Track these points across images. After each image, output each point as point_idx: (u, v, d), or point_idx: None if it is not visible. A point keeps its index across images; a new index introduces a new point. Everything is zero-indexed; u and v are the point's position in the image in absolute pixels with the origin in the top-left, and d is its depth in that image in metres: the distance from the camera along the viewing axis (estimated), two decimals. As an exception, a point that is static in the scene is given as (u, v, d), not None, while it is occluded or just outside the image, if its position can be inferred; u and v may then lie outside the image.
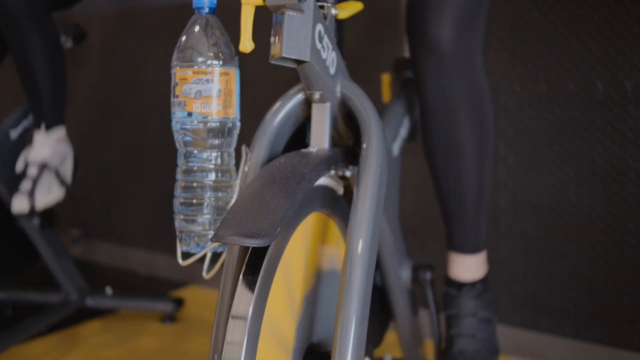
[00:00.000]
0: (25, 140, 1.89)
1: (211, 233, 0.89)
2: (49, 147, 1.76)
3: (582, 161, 1.62)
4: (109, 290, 2.00)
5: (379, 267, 1.22)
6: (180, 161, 0.91)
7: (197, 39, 0.89)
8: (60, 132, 1.80)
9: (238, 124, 0.92)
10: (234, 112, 0.90)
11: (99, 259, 2.76)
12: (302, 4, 0.80)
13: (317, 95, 0.90)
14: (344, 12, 0.96)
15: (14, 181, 1.76)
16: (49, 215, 1.87)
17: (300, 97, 0.94)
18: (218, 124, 0.89)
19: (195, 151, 0.90)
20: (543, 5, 1.64)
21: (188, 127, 0.89)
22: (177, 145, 0.91)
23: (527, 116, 1.69)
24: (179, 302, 2.04)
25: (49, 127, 1.77)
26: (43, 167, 1.74)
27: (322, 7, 0.92)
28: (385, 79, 1.42)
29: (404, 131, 1.28)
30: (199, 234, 0.90)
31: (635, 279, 1.57)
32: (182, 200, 0.90)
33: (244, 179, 0.90)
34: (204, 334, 1.93)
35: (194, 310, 2.14)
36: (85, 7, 2.42)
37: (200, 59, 0.88)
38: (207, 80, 0.88)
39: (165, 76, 2.47)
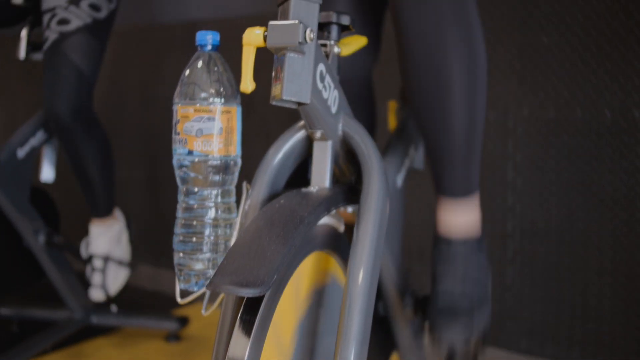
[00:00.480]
0: (33, 158, 1.89)
1: (210, 272, 0.89)
2: (105, 238, 1.94)
3: (590, 188, 1.60)
4: (114, 308, 2.00)
5: (381, 297, 1.22)
6: (181, 198, 0.91)
7: (199, 76, 0.89)
8: (112, 216, 1.96)
9: (239, 161, 0.91)
10: (235, 150, 0.90)
11: (106, 273, 2.77)
12: (304, 46, 0.79)
13: (318, 134, 0.90)
14: (347, 48, 0.96)
15: (75, 256, 1.97)
16: (53, 235, 1.88)
17: (302, 134, 0.93)
18: (219, 162, 0.88)
19: (196, 189, 0.89)
20: (552, 32, 1.63)
21: (189, 164, 0.89)
22: (178, 181, 0.91)
23: (535, 142, 1.67)
24: (184, 321, 2.03)
25: (102, 215, 1.93)
26: (106, 259, 1.93)
27: (324, 45, 0.92)
28: (392, 106, 1.41)
29: (408, 162, 1.27)
30: (198, 272, 0.89)
31: (642, 309, 1.55)
32: (181, 237, 0.90)
33: (244, 216, 0.90)
34: (208, 353, 1.93)
35: (199, 329, 2.14)
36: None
37: (202, 97, 0.88)
38: (209, 119, 0.87)
39: (175, 88, 2.47)
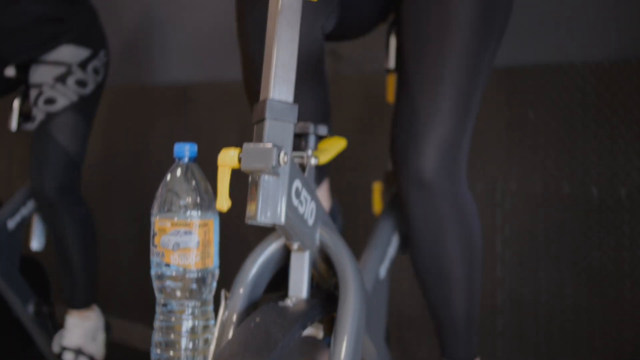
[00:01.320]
0: (23, 228, 1.89)
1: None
2: (80, 331, 1.88)
3: (578, 264, 1.60)
4: None
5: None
6: (158, 309, 0.91)
7: (176, 188, 0.89)
8: (90, 309, 1.91)
9: (217, 272, 0.91)
10: (212, 262, 0.90)
11: (99, 331, 2.75)
12: (278, 169, 0.80)
13: (295, 246, 0.90)
14: (325, 155, 0.96)
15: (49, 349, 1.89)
16: (42, 305, 1.88)
17: (279, 242, 0.93)
18: (196, 275, 0.89)
19: (174, 301, 0.89)
20: (539, 106, 1.64)
21: (166, 277, 0.89)
22: (156, 292, 0.91)
23: (523, 215, 1.68)
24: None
25: (79, 307, 1.87)
26: (78, 352, 1.86)
27: (301, 156, 0.92)
28: (377, 187, 1.42)
29: (392, 250, 1.27)
30: (174, 386, 0.89)
31: (633, 388, 1.54)
32: (158, 350, 0.90)
33: (222, 328, 0.90)
34: None
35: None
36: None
37: (179, 210, 0.88)
38: (186, 232, 0.88)
39: (168, 151, 2.48)
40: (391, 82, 1.41)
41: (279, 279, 0.98)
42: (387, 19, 1.35)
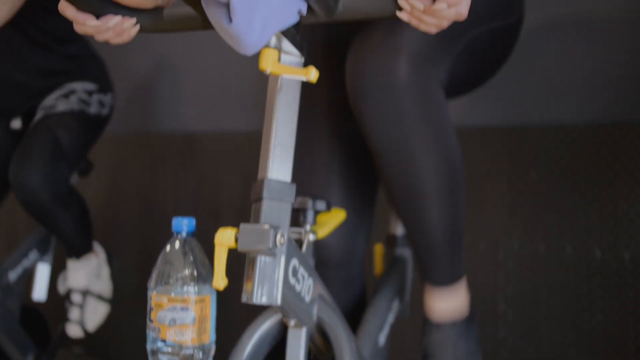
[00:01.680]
0: (25, 280, 1.89)
1: None
2: (84, 272, 1.87)
3: (581, 327, 1.58)
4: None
5: None
6: (154, 384, 0.90)
7: (173, 263, 0.89)
8: (90, 254, 1.90)
9: (213, 347, 0.91)
10: (209, 338, 0.89)
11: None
12: (274, 250, 0.80)
13: (292, 322, 0.90)
14: (324, 229, 0.96)
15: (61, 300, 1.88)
16: (41, 356, 1.86)
17: (276, 318, 0.93)
18: (192, 351, 0.88)
19: (169, 377, 0.89)
20: (541, 166, 1.64)
21: (162, 353, 0.88)
22: (151, 366, 0.90)
23: (526, 275, 1.67)
24: None
25: (80, 255, 1.87)
26: (85, 293, 1.86)
27: (299, 232, 0.92)
28: (378, 250, 1.41)
29: (392, 317, 1.26)
30: None
31: None
32: None
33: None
34: None
35: None
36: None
37: (176, 285, 0.88)
38: (182, 309, 0.87)
39: (172, 200, 2.48)
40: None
41: (275, 355, 0.97)
42: None
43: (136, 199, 2.62)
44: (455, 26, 0.87)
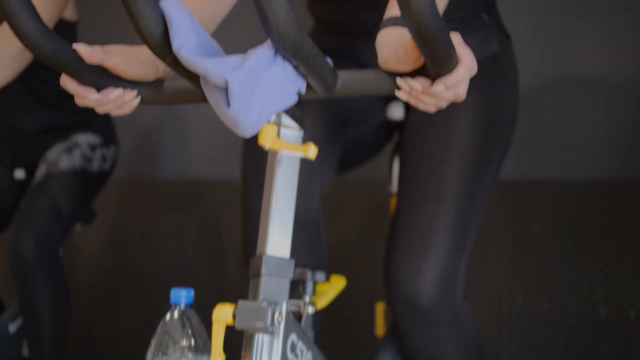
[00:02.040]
0: (24, 333, 1.88)
1: None
2: None
3: (587, 385, 1.56)
4: None
5: None
6: None
7: (172, 334, 0.89)
8: None
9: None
10: (206, 411, 0.88)
11: None
12: (272, 327, 0.79)
13: (291, 397, 0.88)
14: (324, 298, 0.95)
15: None
16: None
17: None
18: None
19: None
20: (544, 222, 1.63)
21: None
22: None
23: (530, 331, 1.65)
24: None
25: None
26: None
27: (297, 305, 0.91)
28: (380, 309, 1.40)
29: (394, 380, 1.24)
30: None
31: None
32: None
33: None
34: None
35: None
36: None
37: (174, 357, 0.87)
38: (180, 381, 0.87)
39: (173, 244, 2.47)
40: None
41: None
42: (392, 139, 1.36)
43: (137, 245, 2.62)
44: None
